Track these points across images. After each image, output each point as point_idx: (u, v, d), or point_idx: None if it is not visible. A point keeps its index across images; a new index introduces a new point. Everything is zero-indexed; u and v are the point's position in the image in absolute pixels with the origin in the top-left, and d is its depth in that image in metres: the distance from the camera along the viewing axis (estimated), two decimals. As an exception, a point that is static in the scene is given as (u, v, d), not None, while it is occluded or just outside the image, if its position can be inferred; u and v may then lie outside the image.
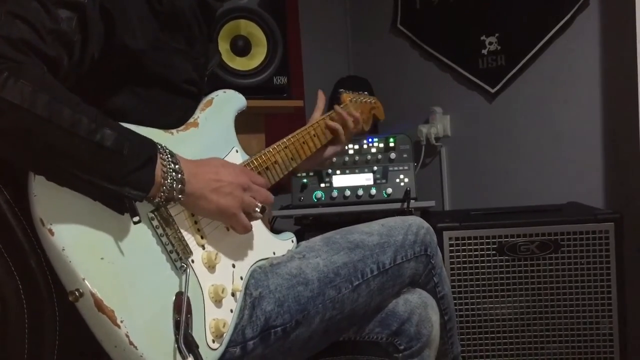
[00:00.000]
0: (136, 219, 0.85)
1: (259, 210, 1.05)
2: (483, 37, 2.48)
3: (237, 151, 1.16)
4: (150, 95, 1.02)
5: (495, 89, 2.48)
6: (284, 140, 1.26)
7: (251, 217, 1.05)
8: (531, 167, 2.41)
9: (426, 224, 1.29)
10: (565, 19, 2.24)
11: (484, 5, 2.47)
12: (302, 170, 1.44)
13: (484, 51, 2.49)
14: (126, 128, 0.87)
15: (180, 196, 0.91)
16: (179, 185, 0.90)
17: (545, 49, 2.32)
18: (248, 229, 1.04)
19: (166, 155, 0.90)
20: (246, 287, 1.05)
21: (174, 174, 0.89)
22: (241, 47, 1.97)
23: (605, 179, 2.21)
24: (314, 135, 1.32)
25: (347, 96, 1.49)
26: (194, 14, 1.10)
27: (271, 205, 1.11)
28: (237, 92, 1.23)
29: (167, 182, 0.88)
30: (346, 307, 1.14)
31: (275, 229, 1.29)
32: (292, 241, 1.22)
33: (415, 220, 1.29)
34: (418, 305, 1.26)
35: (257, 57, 1.99)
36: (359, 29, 3.02)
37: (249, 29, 1.97)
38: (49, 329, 0.89)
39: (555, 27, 2.27)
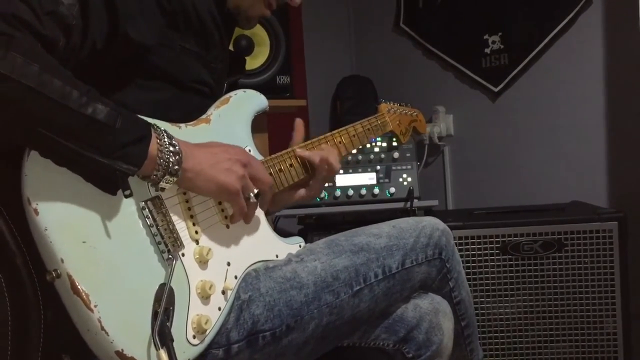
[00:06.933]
0: (127, 192, 0.85)
1: (253, 194, 1.03)
2: (486, 36, 2.48)
3: (249, 150, 1.14)
4: (155, 89, 1.03)
5: (498, 88, 2.48)
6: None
7: (248, 203, 1.03)
8: (534, 166, 2.40)
9: (442, 226, 1.22)
10: (569, 17, 2.24)
11: (487, 4, 2.47)
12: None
13: (487, 50, 2.48)
14: (120, 106, 0.86)
15: (177, 167, 0.89)
16: (177, 157, 0.89)
17: (549, 48, 2.32)
18: (244, 212, 1.02)
19: (162, 133, 0.89)
20: (236, 290, 1.02)
21: (170, 147, 0.89)
22: (244, 46, 1.97)
23: (609, 178, 2.21)
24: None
25: (385, 106, 1.40)
26: (214, 21, 1.11)
27: (271, 189, 1.08)
28: (258, 93, 1.20)
29: (164, 157, 0.88)
30: (346, 313, 1.09)
31: (279, 230, 1.26)
32: (300, 246, 1.17)
33: (430, 222, 1.21)
34: (429, 312, 1.19)
35: (260, 56, 1.99)
36: (361, 28, 3.01)
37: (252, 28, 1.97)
38: (34, 331, 0.88)
39: (559, 26, 2.26)
